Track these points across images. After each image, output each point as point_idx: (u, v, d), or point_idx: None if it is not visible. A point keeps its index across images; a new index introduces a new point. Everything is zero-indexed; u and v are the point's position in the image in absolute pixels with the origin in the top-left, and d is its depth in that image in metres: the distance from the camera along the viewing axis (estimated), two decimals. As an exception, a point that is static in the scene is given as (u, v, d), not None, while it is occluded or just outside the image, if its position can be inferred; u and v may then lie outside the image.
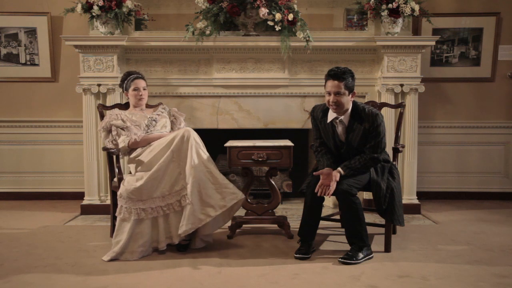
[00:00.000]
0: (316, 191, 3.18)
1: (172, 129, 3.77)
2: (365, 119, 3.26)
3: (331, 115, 3.33)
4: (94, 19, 4.34)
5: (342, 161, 3.33)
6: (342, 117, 3.30)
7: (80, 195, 4.66)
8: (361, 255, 3.15)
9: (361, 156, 3.27)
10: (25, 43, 4.99)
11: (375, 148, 3.27)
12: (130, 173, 3.60)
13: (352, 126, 3.29)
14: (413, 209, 4.50)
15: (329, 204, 4.74)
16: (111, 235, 3.56)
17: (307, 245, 3.30)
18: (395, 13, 4.31)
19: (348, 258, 3.12)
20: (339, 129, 3.34)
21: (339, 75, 3.21)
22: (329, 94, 3.24)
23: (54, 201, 5.02)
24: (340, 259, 3.13)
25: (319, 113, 3.42)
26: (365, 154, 3.28)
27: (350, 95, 3.26)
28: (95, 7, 4.23)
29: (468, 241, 3.64)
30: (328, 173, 3.21)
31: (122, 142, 3.54)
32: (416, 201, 4.56)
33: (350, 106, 3.30)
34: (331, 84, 3.22)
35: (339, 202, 3.31)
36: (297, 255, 3.23)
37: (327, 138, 3.41)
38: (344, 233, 3.35)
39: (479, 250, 3.41)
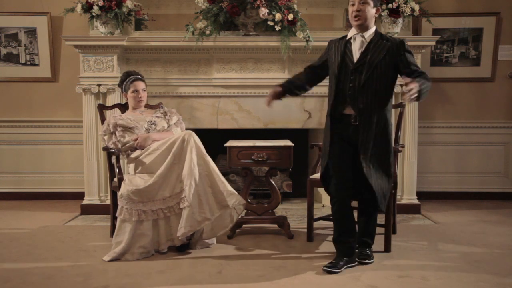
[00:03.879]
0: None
1: (168, 125, 3.76)
2: (391, 41, 3.00)
3: (351, 33, 3.07)
4: (94, 19, 4.34)
5: (339, 89, 3.01)
6: (364, 33, 3.03)
7: (80, 195, 4.66)
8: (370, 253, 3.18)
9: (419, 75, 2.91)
10: (25, 43, 4.99)
11: (415, 64, 3.00)
12: (129, 173, 3.60)
13: (374, 40, 3.00)
14: (413, 209, 4.51)
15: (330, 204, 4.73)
16: (111, 235, 3.57)
17: (339, 258, 3.04)
18: (395, 13, 4.32)
19: (366, 257, 3.12)
20: (356, 44, 3.03)
21: None
22: (353, 4, 2.98)
23: (54, 201, 5.01)
24: (359, 260, 3.09)
25: (336, 40, 3.15)
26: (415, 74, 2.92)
27: (375, 10, 3.01)
28: (95, 7, 4.23)
29: (468, 241, 3.64)
30: None
31: (131, 140, 3.54)
32: (416, 201, 4.56)
33: (373, 27, 3.05)
34: None
35: (365, 207, 3.16)
36: (324, 268, 2.98)
37: (334, 58, 3.07)
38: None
39: (479, 250, 3.41)
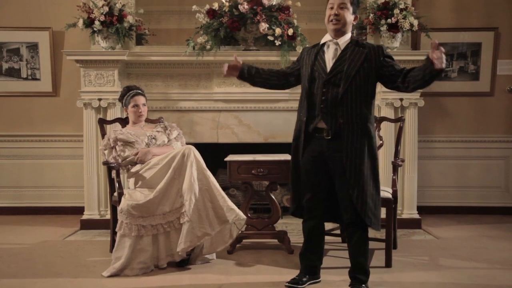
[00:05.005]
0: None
1: (168, 139, 3.76)
2: (367, 47, 2.84)
3: (325, 39, 2.92)
4: (96, 34, 4.37)
5: (311, 102, 2.85)
6: (338, 40, 2.88)
7: (80, 210, 4.65)
8: None
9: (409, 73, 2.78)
10: (26, 58, 5.01)
11: (399, 68, 2.85)
12: (129, 187, 3.59)
13: (350, 48, 2.84)
14: (414, 224, 4.49)
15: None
16: (111, 250, 3.55)
17: (302, 274, 3.01)
18: (394, 28, 4.35)
19: None
20: (330, 52, 2.87)
21: None
22: (331, 8, 2.84)
23: (54, 215, 4.99)
24: None
25: (309, 47, 3.03)
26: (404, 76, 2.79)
27: (353, 17, 2.88)
28: (97, 22, 4.26)
29: (469, 256, 3.62)
30: None
31: (131, 154, 3.54)
32: (416, 216, 4.54)
33: (349, 33, 2.89)
34: None
35: (352, 230, 2.87)
36: (287, 284, 2.95)
37: (305, 68, 2.92)
38: (345, 248, 3.31)
39: (481, 266, 3.39)
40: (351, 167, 2.77)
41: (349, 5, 2.83)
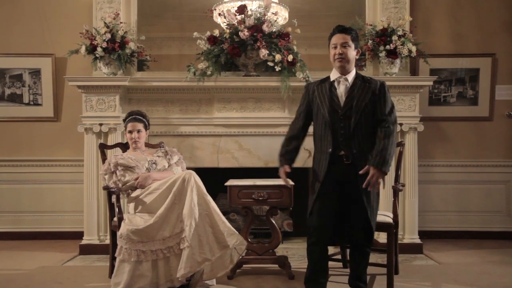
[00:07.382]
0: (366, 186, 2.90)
1: (169, 164, 3.76)
2: (373, 83, 3.06)
3: (334, 75, 3.10)
4: (98, 60, 4.42)
5: (334, 135, 3.00)
6: (346, 76, 3.08)
7: (79, 235, 4.62)
8: None
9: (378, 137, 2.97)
10: (29, 84, 5.06)
11: (386, 113, 3.02)
12: (129, 212, 3.58)
13: (357, 84, 3.05)
14: (415, 249, 4.45)
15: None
16: (110, 276, 3.51)
17: None
18: (392, 54, 4.40)
19: None
20: (341, 89, 3.07)
21: (346, 28, 3.06)
22: (335, 47, 3.04)
23: (53, 240, 4.96)
24: None
25: (316, 83, 3.19)
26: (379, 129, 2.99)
27: (356, 51, 3.08)
28: (99, 49, 4.32)
29: (472, 282, 3.58)
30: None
31: (131, 179, 3.53)
32: (418, 241, 4.51)
33: (354, 69, 3.11)
34: (337, 37, 3.04)
35: (356, 251, 3.09)
36: None
37: (321, 103, 3.07)
38: (346, 274, 3.29)
39: (483, 291, 3.36)
40: (367, 193, 2.97)
41: (350, 42, 3.03)
